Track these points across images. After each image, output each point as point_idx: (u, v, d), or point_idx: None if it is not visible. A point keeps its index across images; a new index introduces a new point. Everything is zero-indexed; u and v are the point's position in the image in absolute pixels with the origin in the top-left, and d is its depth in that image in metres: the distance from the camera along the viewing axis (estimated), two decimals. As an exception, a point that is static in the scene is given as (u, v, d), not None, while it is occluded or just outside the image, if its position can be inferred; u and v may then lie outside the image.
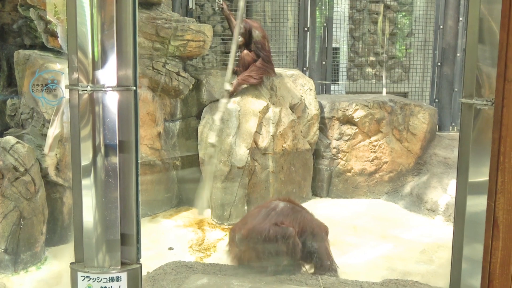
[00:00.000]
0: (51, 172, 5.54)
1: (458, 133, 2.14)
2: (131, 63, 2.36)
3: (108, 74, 2.28)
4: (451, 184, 7.32)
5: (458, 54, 9.18)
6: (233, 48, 6.73)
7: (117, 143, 2.31)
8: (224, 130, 6.88)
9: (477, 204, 2.07)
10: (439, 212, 7.10)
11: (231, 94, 7.07)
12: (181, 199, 7.36)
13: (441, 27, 9.30)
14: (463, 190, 2.11)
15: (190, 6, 8.16)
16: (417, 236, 6.54)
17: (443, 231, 6.58)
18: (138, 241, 2.45)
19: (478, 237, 2.06)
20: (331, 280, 4.07)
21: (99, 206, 2.36)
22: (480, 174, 2.05)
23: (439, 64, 9.36)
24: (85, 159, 2.35)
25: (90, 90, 2.27)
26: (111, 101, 2.28)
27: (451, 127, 9.31)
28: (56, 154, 5.51)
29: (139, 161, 2.43)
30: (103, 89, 2.27)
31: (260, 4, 9.10)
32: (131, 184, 2.41)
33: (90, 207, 2.37)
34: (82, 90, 2.27)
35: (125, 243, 2.41)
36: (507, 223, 1.98)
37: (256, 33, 7.28)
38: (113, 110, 2.27)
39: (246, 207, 6.90)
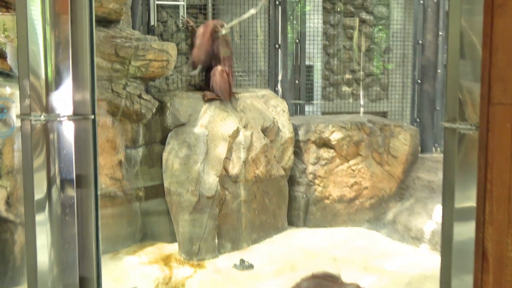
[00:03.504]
0: (1, 207, 5.44)
1: (442, 155, 2.17)
2: (88, 88, 2.34)
3: (63, 101, 2.26)
4: (437, 209, 7.39)
5: (438, 71, 9.35)
6: None
7: (74, 176, 2.28)
8: (191, 157, 6.85)
9: (465, 232, 2.08)
10: (425, 240, 7.15)
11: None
12: (145, 234, 7.28)
13: (420, 42, 9.48)
14: (450, 216, 2.13)
15: (152, 23, 8.18)
16: (402, 266, 6.57)
17: (429, 260, 6.62)
18: (99, 284, 2.41)
19: (467, 268, 2.08)
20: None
21: (55, 245, 2.32)
22: (467, 200, 2.07)
23: (419, 81, 9.51)
24: (39, 193, 2.31)
25: (44, 120, 2.24)
26: (67, 131, 2.25)
27: (434, 148, 9.44)
28: (6, 188, 5.41)
29: (98, 194, 2.40)
30: (58, 119, 2.24)
31: (227, 19, 9.17)
32: (90, 220, 2.38)
33: (45, 246, 2.33)
34: (35, 120, 2.24)
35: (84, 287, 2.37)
36: (497, 256, 2.00)
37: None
38: (69, 141, 2.25)
39: (216, 240, 6.86)
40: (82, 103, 2.30)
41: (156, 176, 7.14)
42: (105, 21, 6.85)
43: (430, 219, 7.34)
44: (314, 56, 10.18)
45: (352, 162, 8.04)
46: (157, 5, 8.39)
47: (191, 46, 7.85)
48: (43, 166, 2.27)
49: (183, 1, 8.31)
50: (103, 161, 6.62)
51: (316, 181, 8.03)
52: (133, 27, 7.67)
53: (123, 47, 6.67)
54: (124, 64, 6.73)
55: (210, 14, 9.18)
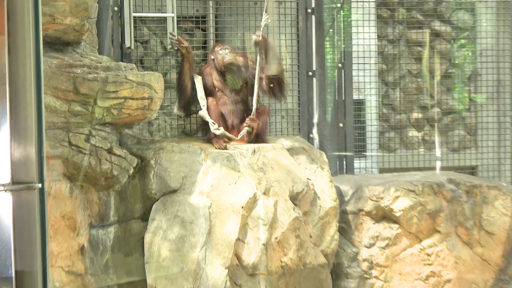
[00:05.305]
0: None
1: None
2: (33, 142, 2.36)
3: (-3, 164, 2.28)
4: (556, 312, 7.30)
5: (551, 104, 9.36)
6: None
7: (13, 273, 2.28)
8: (187, 239, 6.84)
9: None
10: None
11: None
12: None
13: (522, 62, 9.51)
14: None
15: (128, 44, 8.21)
16: None
17: None
18: None
19: None
20: None
21: None
22: None
23: (522, 120, 9.52)
24: (-39, 300, 2.32)
25: (-31, 191, 2.26)
26: (3, 207, 2.27)
27: (548, 219, 9.35)
28: None
29: (49, 299, 2.40)
30: (-10, 189, 2.26)
31: (239, 37, 9.26)
32: None
33: None
34: (-44, 191, 2.27)
35: None
36: None
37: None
38: (5, 221, 2.26)
39: None
40: (24, 165, 2.31)
41: (135, 268, 7.13)
42: (59, 43, 6.96)
43: (548, 327, 7.24)
44: (366, 86, 10.22)
45: (426, 242, 7.98)
46: (135, 18, 8.40)
47: (179, 76, 8.03)
48: (-32, 259, 2.28)
49: (173, 12, 8.33)
50: (57, 247, 6.63)
51: (374, 272, 7.97)
52: (100, 51, 7.76)
53: (86, 81, 6.73)
54: (87, 104, 6.79)
55: (212, 29, 9.27)
